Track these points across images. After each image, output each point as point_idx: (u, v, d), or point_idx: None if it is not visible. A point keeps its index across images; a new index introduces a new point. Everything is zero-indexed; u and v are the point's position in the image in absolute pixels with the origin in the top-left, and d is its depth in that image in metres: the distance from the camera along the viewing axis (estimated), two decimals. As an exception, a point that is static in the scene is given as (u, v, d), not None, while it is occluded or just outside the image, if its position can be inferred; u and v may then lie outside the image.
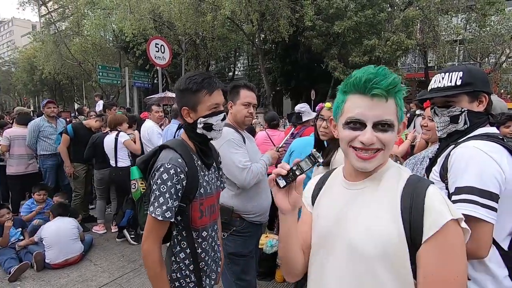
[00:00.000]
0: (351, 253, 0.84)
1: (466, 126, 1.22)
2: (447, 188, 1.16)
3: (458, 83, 1.24)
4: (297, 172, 0.82)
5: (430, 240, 0.74)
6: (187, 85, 1.27)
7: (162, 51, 6.90)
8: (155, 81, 21.66)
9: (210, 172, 1.41)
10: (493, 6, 16.53)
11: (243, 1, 14.61)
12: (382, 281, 0.78)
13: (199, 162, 1.34)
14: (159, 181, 1.16)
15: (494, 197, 1.02)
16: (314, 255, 0.97)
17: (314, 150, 0.84)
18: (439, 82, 1.32)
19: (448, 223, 0.74)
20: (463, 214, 1.01)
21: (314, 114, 3.11)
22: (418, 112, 3.48)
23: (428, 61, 20.97)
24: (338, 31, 15.73)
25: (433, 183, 0.85)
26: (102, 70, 18.14)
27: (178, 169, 1.18)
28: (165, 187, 1.15)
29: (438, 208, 0.76)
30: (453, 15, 17.83)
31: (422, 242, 0.75)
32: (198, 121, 1.29)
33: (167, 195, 1.15)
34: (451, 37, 18.87)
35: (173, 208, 1.18)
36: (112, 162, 4.35)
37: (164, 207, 1.15)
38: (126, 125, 4.55)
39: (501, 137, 1.13)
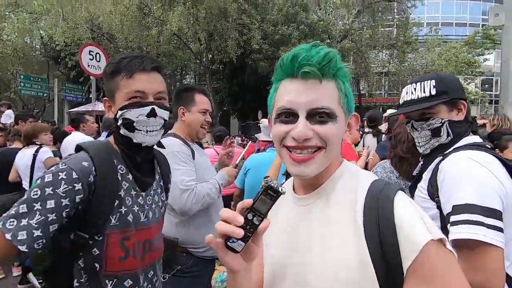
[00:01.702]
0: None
1: (450, 138, 1.10)
2: (438, 208, 1.00)
3: (433, 92, 1.12)
4: (256, 221, 0.55)
5: (410, 272, 0.54)
6: (105, 68, 0.99)
7: (98, 59, 6.19)
8: (90, 96, 19.78)
9: (148, 192, 1.02)
10: (410, 45, 19.50)
11: (191, 19, 14.47)
12: None
13: (129, 177, 0.97)
14: (35, 187, 0.80)
15: (498, 215, 0.86)
16: None
17: (269, 178, 0.57)
18: (412, 93, 1.19)
19: (428, 245, 0.54)
20: (468, 238, 0.85)
21: None
22: (366, 130, 3.58)
23: (361, 89, 23.43)
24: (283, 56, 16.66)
25: (402, 188, 0.64)
26: (24, 80, 15.69)
27: (73, 174, 0.80)
28: (38, 193, 0.76)
29: (414, 225, 0.56)
30: (380, 50, 20.43)
31: (404, 271, 0.55)
32: (117, 115, 0.95)
33: (36, 206, 0.75)
34: (378, 69, 21.55)
35: (50, 233, 0.76)
36: (25, 184, 3.46)
37: (23, 223, 0.73)
38: (48, 138, 3.73)
39: (489, 147, 1.05)
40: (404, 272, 0.55)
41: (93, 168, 0.86)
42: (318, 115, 0.61)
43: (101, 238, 0.86)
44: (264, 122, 3.41)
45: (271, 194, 0.55)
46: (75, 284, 0.85)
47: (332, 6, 18.63)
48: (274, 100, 0.70)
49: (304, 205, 0.70)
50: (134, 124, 0.92)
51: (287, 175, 1.72)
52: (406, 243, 0.55)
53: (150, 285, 0.98)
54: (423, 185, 1.10)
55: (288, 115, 0.64)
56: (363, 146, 3.35)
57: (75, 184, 0.81)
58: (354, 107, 0.69)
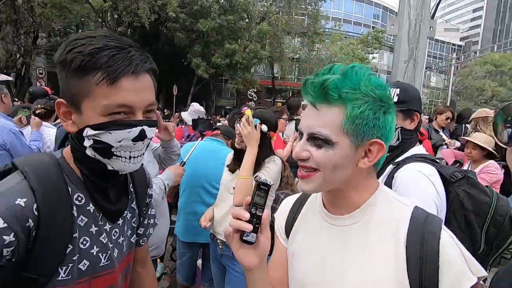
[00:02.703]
0: None
1: (398, 142, 1.26)
2: None
3: (395, 99, 1.26)
4: (259, 213, 0.63)
5: None
6: (65, 54, 0.61)
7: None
8: None
9: (115, 225, 0.75)
10: (318, 36, 21.42)
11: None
12: None
13: (89, 208, 0.69)
14: None
15: None
16: None
17: (257, 176, 0.66)
18: None
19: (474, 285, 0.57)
20: None
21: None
22: (296, 117, 3.86)
23: (275, 72, 24.71)
24: (202, 29, 15.85)
25: (442, 221, 0.67)
26: None
27: (1, 222, 0.54)
28: None
29: (459, 267, 0.59)
30: (293, 37, 21.75)
31: None
32: (85, 132, 0.64)
33: None
34: (291, 55, 23.01)
35: None
36: None
37: None
38: None
39: (432, 159, 1.27)
40: None
41: (34, 206, 0.58)
42: (317, 139, 0.63)
43: None
44: (194, 105, 3.25)
45: (263, 188, 0.63)
46: None
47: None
48: None
49: (340, 225, 0.70)
50: (113, 149, 0.65)
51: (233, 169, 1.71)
52: (449, 283, 0.58)
53: None
54: None
55: (300, 134, 0.69)
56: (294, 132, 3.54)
57: (4, 237, 0.54)
58: (371, 133, 0.62)
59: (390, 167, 1.24)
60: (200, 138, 2.01)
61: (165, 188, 1.48)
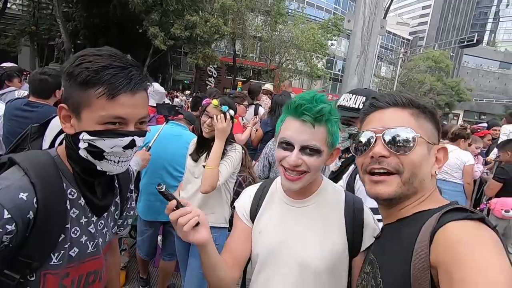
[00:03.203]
0: (303, 270, 0.90)
1: None
2: None
3: (360, 106, 1.39)
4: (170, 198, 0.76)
5: (363, 251, 0.92)
6: (74, 67, 0.70)
7: None
8: None
9: (102, 217, 0.86)
10: (281, 16, 21.35)
11: None
12: (324, 283, 0.91)
13: (80, 202, 0.78)
14: None
15: None
16: (258, 273, 0.97)
17: (161, 185, 0.77)
18: (347, 101, 1.48)
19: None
20: None
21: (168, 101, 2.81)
22: (255, 102, 4.02)
23: (237, 50, 24.22)
24: (160, -5, 14.71)
25: (362, 200, 1.00)
26: None
27: (4, 213, 0.61)
28: None
29: (372, 225, 0.94)
30: (257, 15, 21.37)
31: (360, 251, 0.92)
32: (81, 136, 0.72)
33: None
34: (253, 33, 22.69)
35: None
36: None
37: None
38: None
39: None
40: (361, 250, 0.91)
41: (34, 200, 0.66)
42: (308, 149, 0.86)
43: (33, 278, 0.70)
44: (155, 85, 3.20)
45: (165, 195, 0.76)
46: None
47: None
48: (280, 128, 0.92)
49: (300, 206, 0.95)
50: (105, 154, 0.74)
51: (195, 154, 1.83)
52: (368, 237, 0.91)
53: None
54: (342, 184, 1.42)
55: (288, 145, 0.87)
56: (256, 115, 3.69)
57: (8, 226, 0.61)
58: (337, 143, 0.92)
59: (352, 167, 1.43)
60: (165, 122, 2.08)
61: (133, 174, 1.55)
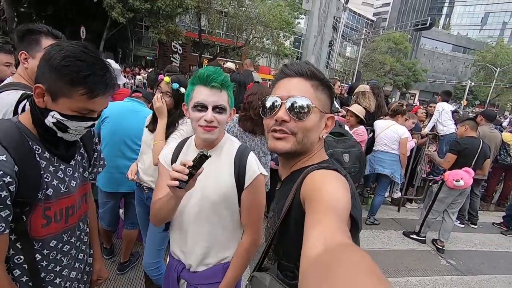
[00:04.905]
0: (203, 200, 1.17)
1: None
2: None
3: None
4: (193, 171, 0.92)
5: (248, 187, 1.18)
6: (62, 67, 0.86)
7: None
8: None
9: (68, 165, 1.07)
10: (248, -9, 20.71)
11: None
12: (223, 214, 1.20)
13: (45, 154, 0.98)
14: None
15: None
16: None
17: (203, 148, 0.92)
18: None
19: (258, 176, 1.20)
20: None
21: (124, 79, 2.84)
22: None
23: (202, 25, 23.31)
24: (116, -39, 13.53)
25: (250, 150, 1.26)
26: None
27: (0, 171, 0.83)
28: None
29: (253, 168, 1.19)
30: (223, -12, 20.53)
31: (244, 188, 1.18)
32: (51, 113, 0.91)
33: None
34: (220, 8, 21.91)
35: (5, 218, 0.87)
36: None
37: None
38: None
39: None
40: (245, 186, 1.17)
41: (12, 160, 0.86)
42: (218, 108, 1.12)
43: (28, 208, 0.93)
44: (110, 62, 3.17)
45: (204, 159, 0.89)
46: (11, 252, 0.92)
47: None
48: (191, 96, 1.14)
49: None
50: (69, 129, 0.94)
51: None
52: (248, 177, 1.17)
53: (76, 239, 1.12)
54: None
55: (201, 107, 1.11)
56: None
57: (4, 179, 0.83)
58: (233, 105, 1.20)
59: None
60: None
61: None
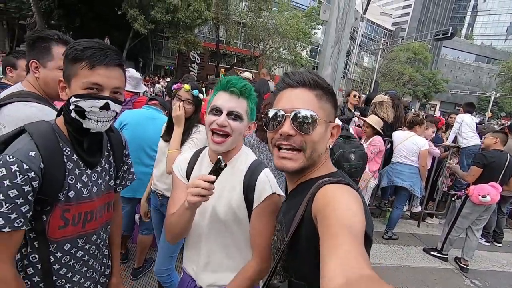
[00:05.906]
0: (214, 218, 1.13)
1: None
2: None
3: None
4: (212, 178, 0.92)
5: (256, 208, 1.10)
6: (67, 50, 0.95)
7: None
8: None
9: (94, 170, 1.09)
10: (266, 2, 21.05)
11: None
12: (235, 233, 1.15)
13: (74, 157, 1.01)
14: None
15: None
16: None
17: (220, 157, 0.91)
18: None
19: (269, 196, 1.08)
20: None
21: (144, 87, 2.94)
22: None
23: (220, 36, 23.83)
24: (139, -24, 14.18)
25: (267, 166, 1.17)
26: None
27: (25, 165, 0.87)
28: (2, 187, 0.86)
29: (264, 187, 1.09)
30: (241, 0, 20.99)
31: (253, 208, 1.10)
32: (71, 100, 0.96)
33: (8, 198, 0.86)
34: (237, 19, 22.35)
35: (25, 213, 0.89)
36: None
37: (9, 213, 0.86)
38: None
39: None
40: (253, 205, 1.09)
41: (40, 157, 0.91)
42: (233, 115, 1.07)
43: (48, 208, 0.96)
44: (131, 71, 3.29)
45: (221, 168, 0.90)
46: (22, 241, 0.94)
47: None
48: (211, 101, 1.10)
49: None
50: (86, 113, 0.96)
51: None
52: (257, 198, 1.09)
53: (93, 246, 1.12)
54: None
55: (217, 111, 1.07)
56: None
57: (29, 173, 0.87)
58: (254, 118, 1.15)
59: None
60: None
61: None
